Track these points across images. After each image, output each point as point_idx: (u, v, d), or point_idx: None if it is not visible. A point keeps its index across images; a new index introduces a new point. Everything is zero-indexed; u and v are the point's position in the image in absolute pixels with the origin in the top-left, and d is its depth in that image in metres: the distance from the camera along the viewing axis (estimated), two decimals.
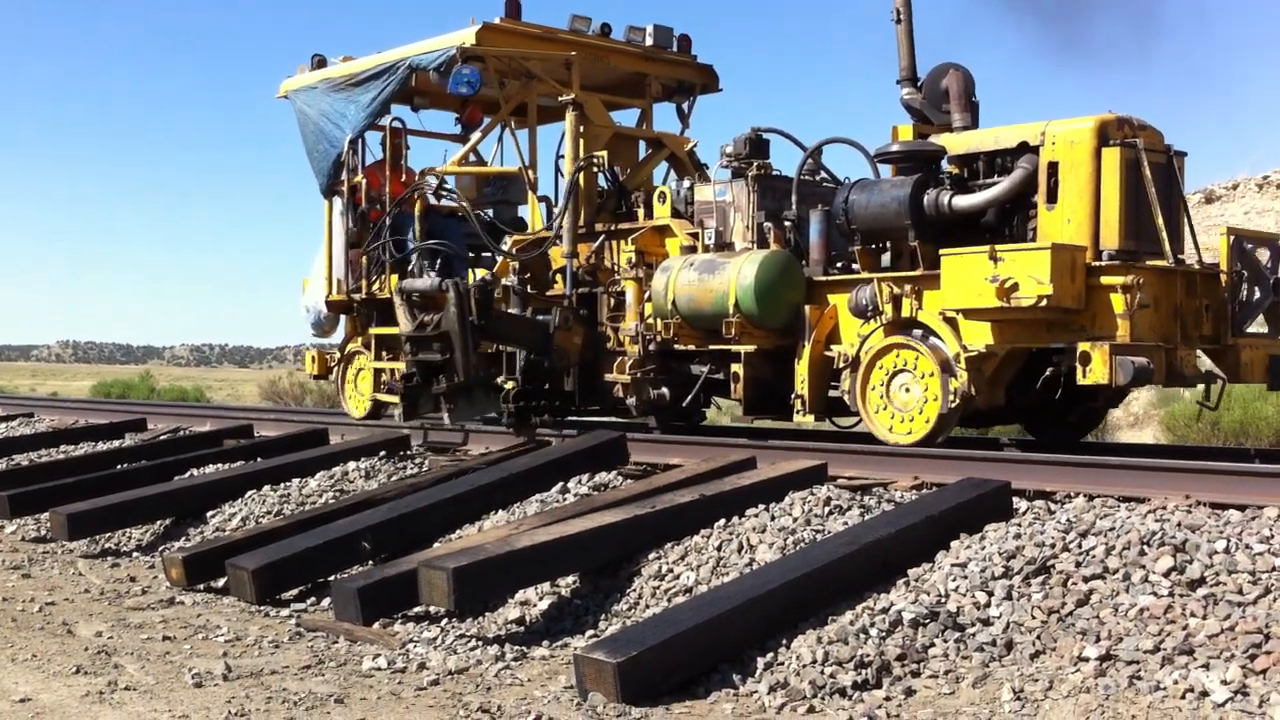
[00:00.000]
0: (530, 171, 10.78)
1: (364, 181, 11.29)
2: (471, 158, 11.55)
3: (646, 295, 9.49)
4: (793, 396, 8.78)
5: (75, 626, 6.32)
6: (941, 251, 7.96)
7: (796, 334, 8.82)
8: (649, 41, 11.09)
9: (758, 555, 6.26)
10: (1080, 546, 5.55)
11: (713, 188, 9.64)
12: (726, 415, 15.53)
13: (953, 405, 7.95)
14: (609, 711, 4.69)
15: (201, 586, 7.37)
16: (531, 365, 9.81)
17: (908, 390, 8.25)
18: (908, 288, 8.30)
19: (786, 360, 8.91)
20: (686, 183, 10.12)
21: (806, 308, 8.78)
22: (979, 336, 7.96)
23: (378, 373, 11.42)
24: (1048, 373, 8.14)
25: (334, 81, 11.37)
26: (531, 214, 10.94)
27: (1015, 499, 6.55)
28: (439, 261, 10.55)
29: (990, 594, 5.34)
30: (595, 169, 10.22)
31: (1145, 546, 5.41)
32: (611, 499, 7.23)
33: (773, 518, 6.63)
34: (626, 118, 11.70)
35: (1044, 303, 7.44)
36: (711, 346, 9.11)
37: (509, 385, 9.85)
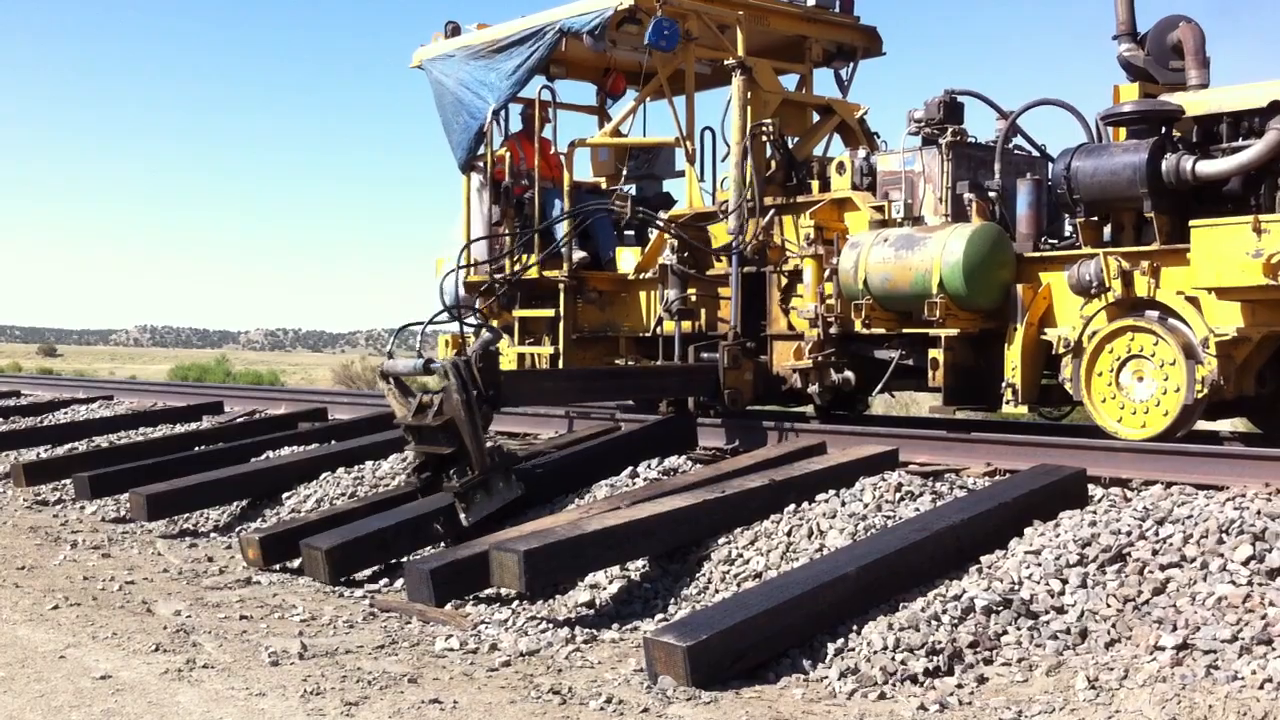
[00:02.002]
0: (689, 143, 10.15)
1: (507, 154, 10.72)
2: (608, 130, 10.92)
3: (826, 274, 8.77)
4: (1003, 385, 8.00)
5: (154, 605, 6.43)
6: (1192, 222, 7.16)
7: (1005, 316, 8.04)
8: (811, 1, 10.44)
9: (828, 541, 6.24)
10: (1157, 534, 5.48)
11: (900, 157, 8.84)
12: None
13: (1199, 396, 7.20)
14: (679, 694, 4.70)
15: (277, 567, 7.47)
16: (702, 408, 9.16)
17: (1141, 379, 7.49)
18: (1144, 263, 7.48)
19: (990, 345, 8.19)
20: (861, 152, 9.27)
21: (1019, 287, 7.99)
22: (1229, 318, 7.16)
23: (520, 358, 10.83)
24: None
25: (474, 49, 10.65)
26: (689, 188, 10.25)
27: (1090, 486, 6.48)
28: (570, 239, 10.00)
29: (1065, 582, 5.29)
30: (765, 138, 9.48)
31: (1224, 535, 5.33)
32: (681, 484, 7.24)
33: (843, 503, 6.60)
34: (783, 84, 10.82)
35: None
36: (905, 330, 8.39)
37: None
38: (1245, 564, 5.10)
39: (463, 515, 7.35)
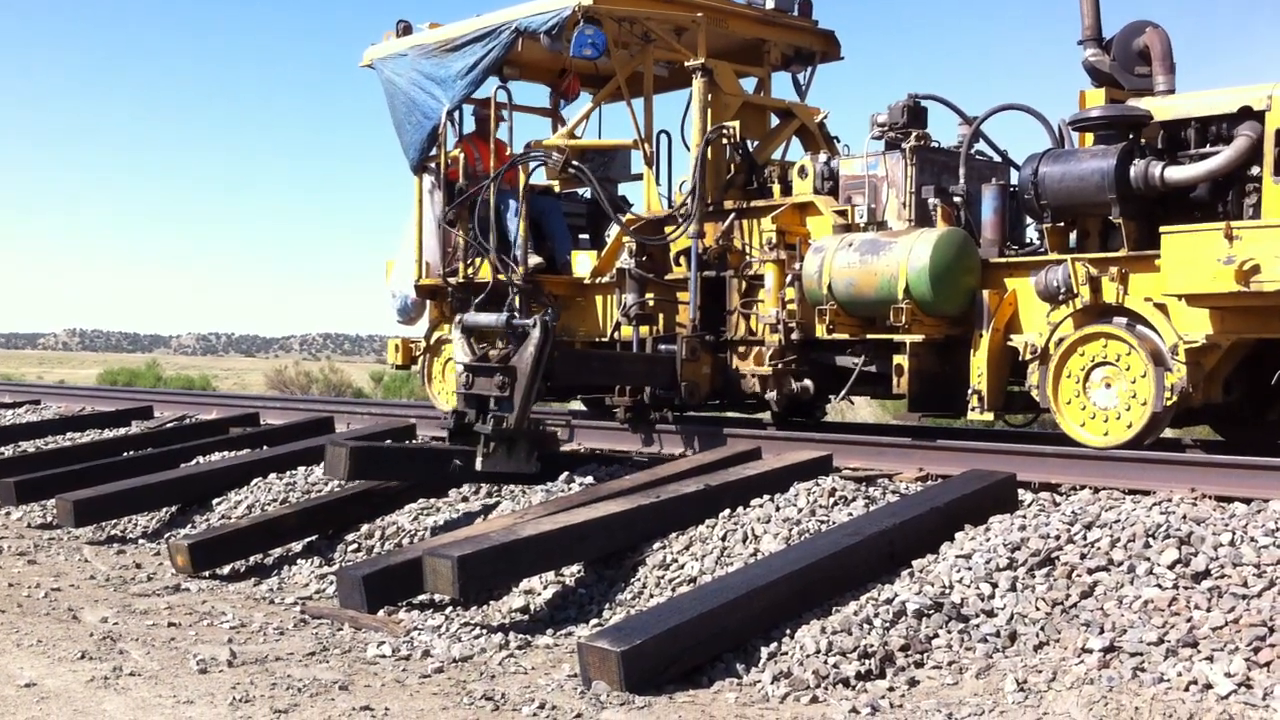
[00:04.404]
0: (646, 145, 9.94)
1: (460, 155, 10.46)
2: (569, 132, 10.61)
3: (788, 279, 8.64)
4: (969, 392, 7.84)
5: (80, 612, 6.33)
6: (1163, 229, 7.02)
7: (971, 322, 7.89)
8: (770, 4, 10.23)
9: (762, 545, 6.26)
10: (1085, 538, 5.55)
11: (863, 161, 8.70)
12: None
13: (1168, 403, 7.08)
14: (612, 700, 4.69)
15: (207, 573, 7.39)
16: (660, 402, 9.10)
17: (1109, 385, 7.34)
18: (1112, 270, 7.36)
19: (954, 351, 8.03)
20: (823, 156, 9.11)
21: (984, 293, 7.84)
22: (1198, 325, 7.05)
23: None
24: None
25: (427, 48, 10.44)
26: (647, 191, 9.92)
27: (1021, 491, 6.56)
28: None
29: (994, 585, 5.34)
30: (725, 141, 9.35)
31: (1150, 539, 5.41)
32: (616, 489, 7.24)
33: (777, 508, 6.63)
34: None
35: None
36: (869, 336, 8.26)
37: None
38: (1171, 568, 5.17)
39: (479, 459, 7.63)
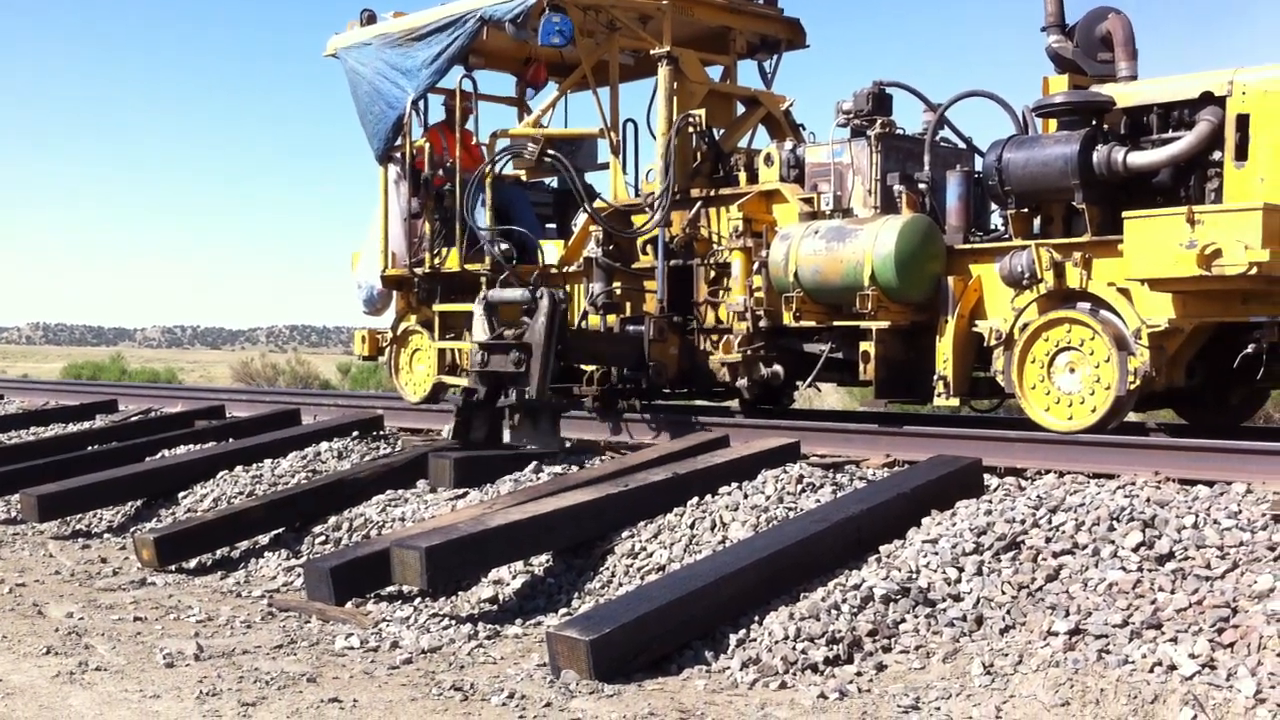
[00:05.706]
0: (613, 134, 9.98)
1: (427, 145, 10.49)
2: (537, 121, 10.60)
3: (755, 267, 8.68)
4: (935, 378, 7.90)
5: (46, 607, 6.29)
6: (1126, 214, 7.07)
7: (936, 309, 7.96)
8: None
9: (730, 533, 6.28)
10: (1050, 522, 5.59)
11: (829, 148, 8.73)
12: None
13: (1132, 387, 7.14)
14: (582, 688, 4.70)
15: (173, 567, 7.34)
16: (627, 385, 9.13)
17: (1073, 370, 7.39)
18: (1076, 255, 7.43)
19: (920, 338, 8.09)
20: (789, 144, 9.13)
21: (950, 279, 7.91)
22: (1160, 309, 7.11)
23: (441, 353, 10.66)
24: (1249, 349, 7.14)
25: (391, 37, 10.45)
26: (614, 180, 9.98)
27: (986, 476, 6.60)
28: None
29: (961, 570, 5.37)
30: (692, 129, 9.40)
31: (1115, 522, 5.45)
32: (584, 478, 7.24)
33: (745, 495, 6.64)
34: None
35: (1254, 270, 6.54)
36: (835, 323, 8.30)
37: (591, 367, 9.23)
38: (1135, 550, 5.21)
39: (507, 432, 8.30)
